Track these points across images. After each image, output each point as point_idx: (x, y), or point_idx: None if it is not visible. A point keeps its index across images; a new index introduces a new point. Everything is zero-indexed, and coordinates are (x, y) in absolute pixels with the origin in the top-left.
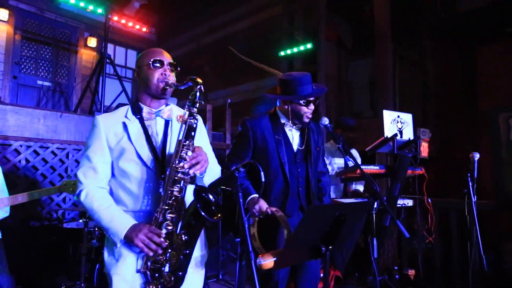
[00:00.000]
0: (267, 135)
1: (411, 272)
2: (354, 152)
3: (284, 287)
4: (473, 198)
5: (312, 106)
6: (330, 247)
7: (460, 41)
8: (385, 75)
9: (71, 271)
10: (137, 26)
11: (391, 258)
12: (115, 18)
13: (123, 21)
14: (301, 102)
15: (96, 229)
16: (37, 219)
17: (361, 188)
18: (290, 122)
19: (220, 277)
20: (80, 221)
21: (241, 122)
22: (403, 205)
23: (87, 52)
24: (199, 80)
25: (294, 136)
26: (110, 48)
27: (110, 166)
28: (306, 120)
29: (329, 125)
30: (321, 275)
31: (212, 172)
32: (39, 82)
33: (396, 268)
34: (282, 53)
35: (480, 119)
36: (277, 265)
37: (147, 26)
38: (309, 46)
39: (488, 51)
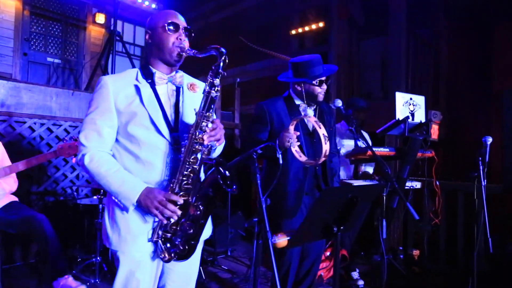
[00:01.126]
0: (283, 116)
1: (416, 252)
2: (364, 134)
3: (296, 266)
4: (483, 182)
5: (324, 86)
6: (342, 227)
7: (476, 20)
8: (397, 54)
9: (87, 245)
10: (146, 3)
11: (396, 239)
12: None
13: None
14: (314, 82)
15: None
16: (52, 195)
17: (370, 170)
18: (305, 103)
19: (229, 253)
20: (94, 197)
21: (257, 106)
22: (411, 187)
23: (95, 28)
24: (223, 50)
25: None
26: (118, 24)
27: (116, 130)
28: (320, 99)
29: (342, 106)
30: (328, 253)
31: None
32: (49, 59)
33: (401, 248)
34: (293, 32)
35: (493, 101)
36: (291, 243)
37: (155, 2)
38: (320, 25)
39: (506, 29)
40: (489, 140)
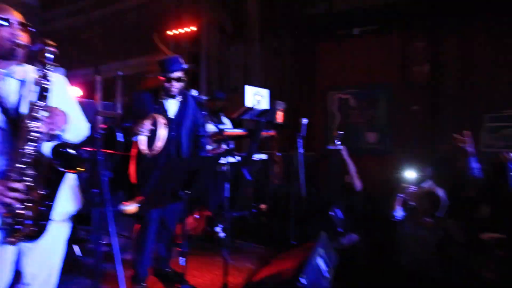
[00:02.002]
0: (148, 105)
1: (263, 206)
2: (224, 119)
3: (156, 228)
4: (300, 150)
5: (174, 83)
6: (188, 192)
7: (308, 37)
8: (253, 58)
9: None
10: None
11: (251, 198)
12: None
13: None
14: (165, 78)
15: None
16: None
17: None
18: (165, 95)
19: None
20: None
21: (130, 95)
22: (260, 159)
23: None
24: (50, 42)
25: (171, 106)
26: None
27: None
28: (173, 93)
29: (196, 95)
30: (197, 216)
31: (77, 129)
32: None
33: (253, 205)
34: (170, 33)
35: (318, 96)
36: (142, 209)
37: None
38: (193, 28)
39: (325, 47)
40: (304, 121)
